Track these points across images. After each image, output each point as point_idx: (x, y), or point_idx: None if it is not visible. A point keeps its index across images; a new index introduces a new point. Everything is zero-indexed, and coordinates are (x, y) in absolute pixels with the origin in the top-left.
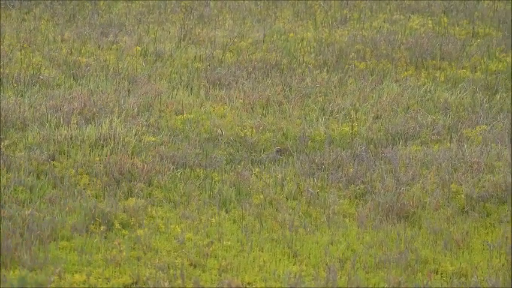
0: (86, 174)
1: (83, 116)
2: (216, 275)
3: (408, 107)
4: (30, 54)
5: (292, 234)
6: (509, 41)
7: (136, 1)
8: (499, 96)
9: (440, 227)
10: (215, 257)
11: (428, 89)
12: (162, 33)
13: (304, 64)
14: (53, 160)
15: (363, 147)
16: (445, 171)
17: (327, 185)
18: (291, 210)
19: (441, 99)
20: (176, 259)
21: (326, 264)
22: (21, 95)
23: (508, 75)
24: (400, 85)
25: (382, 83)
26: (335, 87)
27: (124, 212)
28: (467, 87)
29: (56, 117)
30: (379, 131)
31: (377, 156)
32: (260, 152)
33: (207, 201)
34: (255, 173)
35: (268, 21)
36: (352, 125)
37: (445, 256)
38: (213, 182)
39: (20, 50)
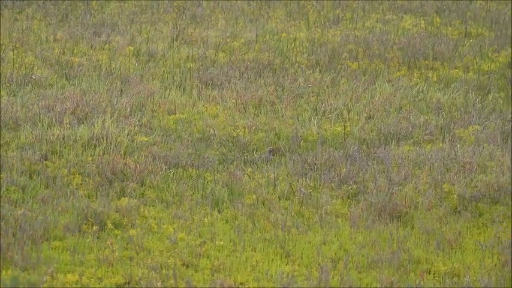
0: (79, 174)
1: (75, 115)
2: (208, 275)
3: (401, 107)
4: (23, 54)
5: (284, 234)
6: (501, 41)
7: (129, 1)
8: (491, 97)
9: (433, 227)
10: (208, 257)
11: (420, 89)
12: (155, 33)
13: (297, 64)
14: (45, 160)
15: (356, 147)
16: (438, 171)
17: (320, 185)
18: (283, 210)
19: (434, 100)
20: (169, 259)
21: (318, 264)
22: (14, 95)
23: (500, 75)
24: (392, 85)
25: (375, 83)
26: (327, 87)
27: (116, 212)
28: (460, 88)
29: (48, 117)
30: (371, 131)
31: (369, 156)
32: (253, 152)
33: (200, 201)
34: (247, 173)
35: (261, 21)
36: (344, 125)
37: (438, 256)
38: (206, 182)
39: (13, 50)
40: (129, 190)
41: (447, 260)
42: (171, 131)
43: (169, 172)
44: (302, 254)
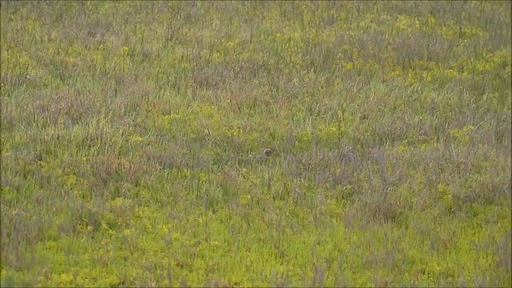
0: (73, 174)
1: (69, 116)
2: (203, 275)
3: (395, 107)
4: (17, 54)
5: (279, 234)
6: (496, 41)
7: (124, 1)
8: (486, 97)
9: (427, 227)
10: (202, 257)
11: (415, 89)
12: (149, 33)
13: (291, 64)
14: (39, 160)
15: (350, 148)
16: (432, 171)
17: (314, 185)
18: (278, 210)
19: (428, 100)
20: (163, 259)
21: (313, 264)
22: (8, 95)
23: (495, 75)
24: (387, 85)
25: (369, 83)
26: (322, 87)
27: (111, 212)
28: (454, 88)
29: (42, 117)
30: (366, 131)
31: (364, 156)
32: (247, 152)
33: (194, 201)
34: (242, 173)
35: (256, 21)
36: (339, 125)
37: (432, 256)
38: (200, 182)
39: (7, 50)
40: (123, 190)
41: (441, 260)
42: (165, 131)
43: (164, 172)
44: (296, 254)
